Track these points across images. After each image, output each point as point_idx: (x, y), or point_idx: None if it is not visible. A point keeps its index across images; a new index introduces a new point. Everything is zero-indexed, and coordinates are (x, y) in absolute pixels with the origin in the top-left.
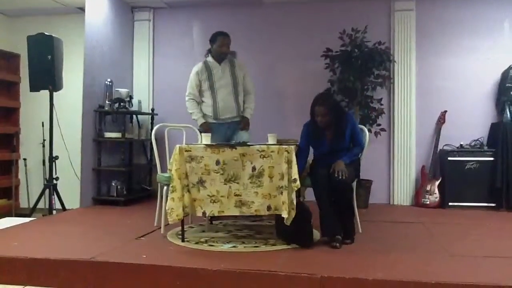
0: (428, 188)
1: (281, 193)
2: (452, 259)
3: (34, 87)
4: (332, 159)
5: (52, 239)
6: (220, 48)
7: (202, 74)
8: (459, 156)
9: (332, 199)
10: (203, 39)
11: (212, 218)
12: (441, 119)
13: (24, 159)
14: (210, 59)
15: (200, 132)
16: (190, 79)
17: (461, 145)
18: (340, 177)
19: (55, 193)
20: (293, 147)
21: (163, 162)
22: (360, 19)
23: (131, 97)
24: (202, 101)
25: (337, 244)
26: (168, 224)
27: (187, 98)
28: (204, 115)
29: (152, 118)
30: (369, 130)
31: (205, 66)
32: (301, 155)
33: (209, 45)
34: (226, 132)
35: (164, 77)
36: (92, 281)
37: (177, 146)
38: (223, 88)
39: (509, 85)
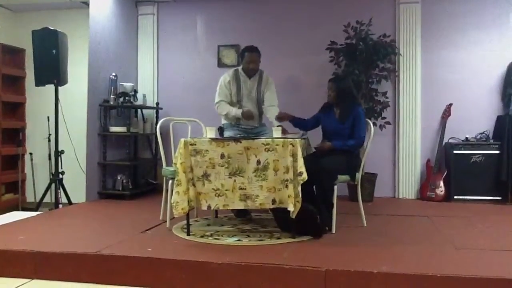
0: (433, 181)
1: (286, 186)
2: (457, 252)
3: (40, 82)
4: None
5: (58, 233)
6: (248, 64)
7: (233, 86)
8: (464, 149)
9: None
10: (207, 32)
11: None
12: (447, 112)
13: (30, 154)
14: (241, 71)
15: (245, 118)
16: (220, 87)
17: (466, 138)
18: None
19: (61, 187)
20: (298, 140)
21: (168, 156)
22: (364, 11)
23: (135, 91)
24: None
25: None
26: (174, 217)
27: (217, 105)
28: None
29: (157, 112)
30: (374, 124)
31: (235, 77)
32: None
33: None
34: (252, 131)
35: (169, 71)
36: (98, 275)
37: (182, 139)
38: (249, 104)
39: None
